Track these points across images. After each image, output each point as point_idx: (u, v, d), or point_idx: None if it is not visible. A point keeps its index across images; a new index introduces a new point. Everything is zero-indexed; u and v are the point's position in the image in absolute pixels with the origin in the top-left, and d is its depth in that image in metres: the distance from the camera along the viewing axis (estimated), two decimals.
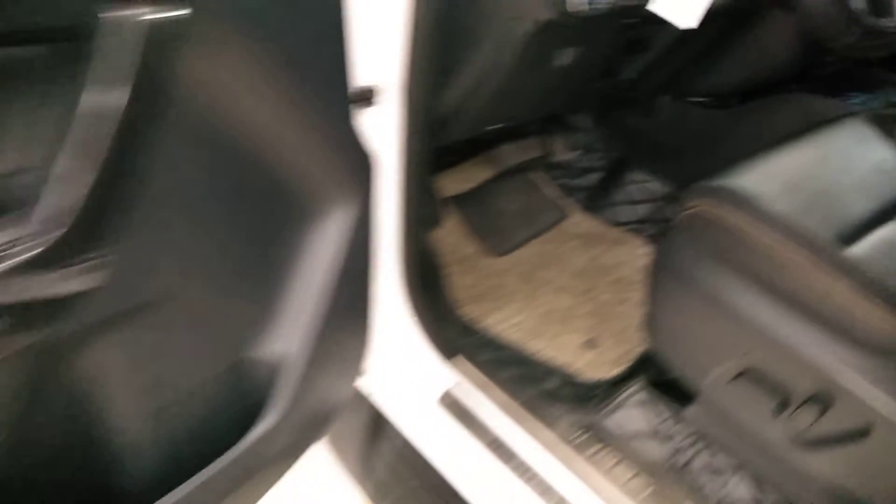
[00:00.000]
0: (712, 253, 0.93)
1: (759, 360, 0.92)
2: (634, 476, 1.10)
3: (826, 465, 0.90)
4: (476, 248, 1.63)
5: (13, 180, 0.56)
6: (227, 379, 0.90)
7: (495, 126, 1.46)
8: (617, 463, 1.13)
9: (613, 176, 1.82)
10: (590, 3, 0.98)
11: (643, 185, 1.78)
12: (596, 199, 1.81)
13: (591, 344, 1.37)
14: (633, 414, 1.17)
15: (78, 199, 0.54)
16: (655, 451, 1.13)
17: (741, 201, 0.91)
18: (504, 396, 1.23)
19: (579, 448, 1.14)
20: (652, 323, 1.10)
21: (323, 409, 1.10)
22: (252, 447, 0.89)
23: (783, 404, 0.90)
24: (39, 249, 0.52)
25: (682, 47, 1.45)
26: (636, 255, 1.64)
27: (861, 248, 0.88)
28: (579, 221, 1.76)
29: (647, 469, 1.11)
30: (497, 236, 1.67)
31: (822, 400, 0.85)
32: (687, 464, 1.11)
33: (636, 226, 1.74)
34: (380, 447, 1.44)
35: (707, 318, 0.97)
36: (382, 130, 0.99)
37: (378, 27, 0.90)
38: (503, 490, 1.17)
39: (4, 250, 0.51)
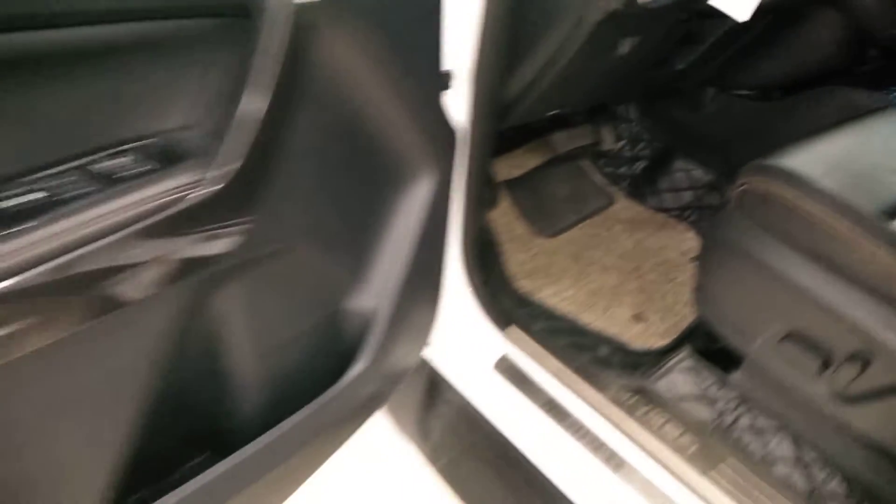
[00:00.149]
0: (763, 225, 1.02)
1: (804, 324, 1.01)
2: (681, 435, 1.19)
3: (865, 419, 0.98)
4: (527, 230, 1.73)
5: (181, 135, 0.67)
6: (325, 327, 1.01)
7: (552, 112, 1.56)
8: (665, 423, 1.22)
9: (658, 165, 1.91)
10: None
11: (687, 174, 1.87)
12: (641, 187, 1.90)
13: (639, 317, 1.46)
14: (681, 379, 1.26)
15: (244, 151, 0.65)
16: (701, 412, 1.21)
17: (791, 178, 0.99)
18: (557, 362, 1.32)
19: (629, 409, 1.24)
20: (703, 293, 1.19)
21: (398, 368, 1.20)
22: (346, 389, 1.00)
23: (826, 363, 0.99)
24: (220, 186, 0.62)
25: (731, 41, 1.53)
26: (680, 239, 1.73)
27: None
28: (625, 207, 1.85)
29: (694, 428, 1.20)
30: (547, 219, 1.76)
31: (863, 357, 0.94)
32: (731, 424, 1.20)
33: (679, 212, 1.82)
34: (438, 410, 1.54)
35: (756, 286, 1.05)
36: (454, 113, 1.09)
37: (454, 18, 1.00)
38: (557, 446, 1.26)
39: (191, 188, 0.62)
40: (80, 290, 0.58)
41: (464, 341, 1.42)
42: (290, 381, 1.00)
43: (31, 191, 0.52)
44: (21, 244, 0.50)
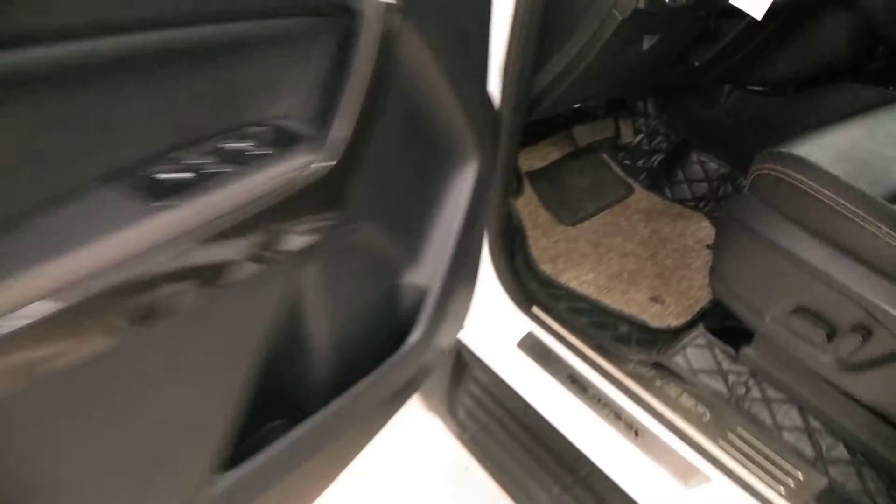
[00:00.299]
0: (775, 207, 1.11)
1: (812, 299, 1.09)
2: (696, 405, 1.28)
3: (866, 386, 1.07)
4: (549, 218, 1.82)
5: (285, 122, 0.74)
6: (384, 302, 1.09)
7: (575, 105, 1.64)
8: (680, 395, 1.31)
9: (675, 157, 2.00)
10: None
11: (702, 166, 1.95)
12: (658, 179, 1.99)
13: (656, 300, 1.55)
14: (695, 354, 1.35)
15: (348, 136, 0.73)
16: (715, 384, 1.30)
17: (802, 164, 1.08)
18: (577, 339, 1.41)
19: (646, 382, 1.33)
20: (718, 273, 1.27)
21: (442, 344, 1.28)
22: (403, 358, 1.08)
23: (831, 335, 1.07)
24: (333, 162, 0.71)
25: (746, 39, 1.61)
26: (696, 228, 1.81)
27: None
28: (643, 198, 1.94)
29: (707, 400, 1.29)
30: (568, 209, 1.85)
31: (865, 328, 1.02)
32: (742, 396, 1.29)
33: (695, 203, 1.91)
34: (465, 386, 1.63)
35: (768, 264, 1.14)
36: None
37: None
38: (579, 416, 1.35)
39: (307, 166, 0.71)
40: (228, 258, 0.66)
41: (491, 320, 1.50)
42: (355, 351, 1.08)
43: (185, 168, 0.60)
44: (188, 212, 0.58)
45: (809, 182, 1.06)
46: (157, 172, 0.59)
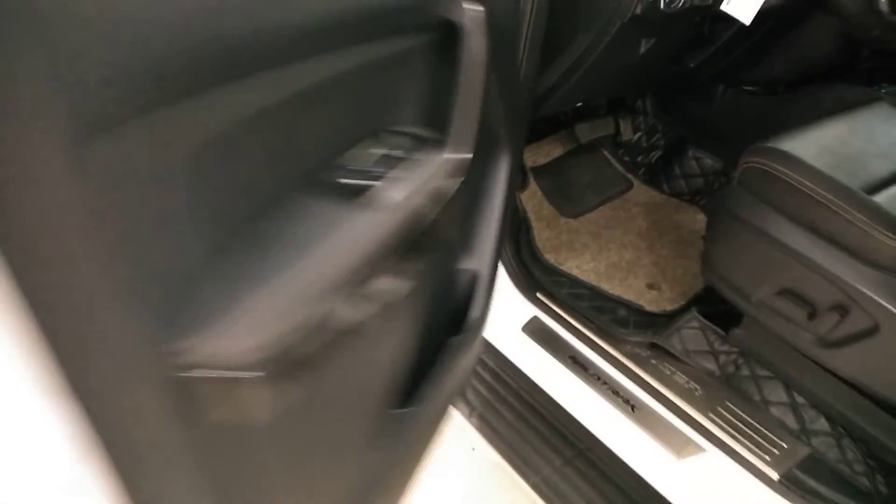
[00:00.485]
0: (762, 197, 1.21)
1: (795, 281, 1.19)
2: (688, 382, 1.38)
3: (845, 361, 1.17)
4: (553, 211, 1.92)
5: (412, 128, 0.81)
6: (446, 286, 1.16)
7: (577, 104, 1.74)
8: (674, 373, 1.41)
9: (672, 154, 2.09)
10: (670, 4, 1.25)
11: (698, 162, 2.05)
12: (656, 174, 2.08)
13: (652, 286, 1.65)
14: (689, 336, 1.45)
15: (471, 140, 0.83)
16: (706, 363, 1.40)
17: (787, 158, 1.18)
18: (579, 323, 1.51)
19: (643, 361, 1.43)
20: (709, 260, 1.37)
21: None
22: (468, 333, 1.15)
23: (812, 314, 1.17)
24: (469, 155, 0.80)
25: (738, 42, 1.71)
26: (691, 220, 1.91)
27: (880, 198, 1.14)
28: (641, 192, 2.04)
29: (699, 377, 1.38)
30: (570, 202, 1.95)
31: (842, 307, 1.12)
32: (732, 374, 1.39)
33: (691, 197, 2.01)
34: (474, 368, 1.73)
35: (755, 250, 1.24)
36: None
37: None
38: (580, 393, 1.45)
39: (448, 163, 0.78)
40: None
41: (498, 305, 1.60)
42: (429, 335, 1.11)
43: (360, 175, 0.66)
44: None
45: (793, 174, 1.16)
46: (339, 178, 0.66)
